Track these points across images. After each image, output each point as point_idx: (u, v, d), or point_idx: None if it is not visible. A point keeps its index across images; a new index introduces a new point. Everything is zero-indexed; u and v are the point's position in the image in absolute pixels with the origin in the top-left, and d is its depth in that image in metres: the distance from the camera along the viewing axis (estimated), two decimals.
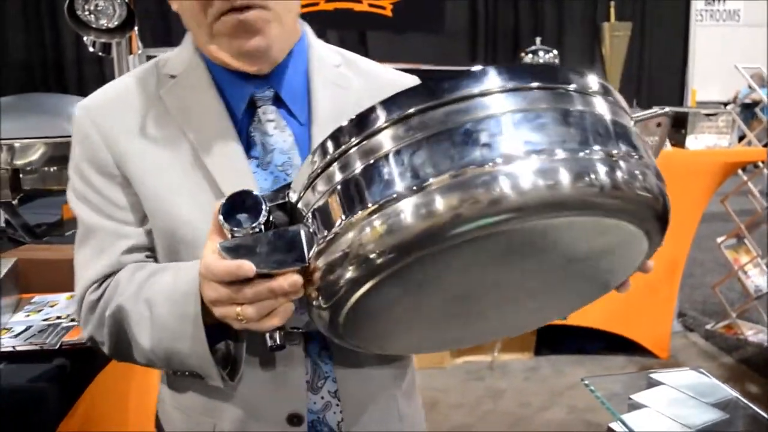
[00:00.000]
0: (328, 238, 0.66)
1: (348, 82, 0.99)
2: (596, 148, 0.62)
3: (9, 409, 1.16)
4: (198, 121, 0.92)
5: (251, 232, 0.71)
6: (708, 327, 4.04)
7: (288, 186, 0.74)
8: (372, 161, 0.63)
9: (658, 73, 6.32)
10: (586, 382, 0.91)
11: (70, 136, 1.73)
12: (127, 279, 0.91)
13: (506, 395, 3.29)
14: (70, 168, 0.98)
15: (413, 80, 1.04)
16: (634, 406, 0.99)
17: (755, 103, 5.26)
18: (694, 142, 3.83)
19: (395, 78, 1.05)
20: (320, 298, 0.70)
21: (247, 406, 0.94)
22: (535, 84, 0.64)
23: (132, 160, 0.92)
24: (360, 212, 0.63)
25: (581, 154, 0.61)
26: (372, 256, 0.63)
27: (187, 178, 0.91)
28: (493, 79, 0.63)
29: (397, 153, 0.62)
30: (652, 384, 1.08)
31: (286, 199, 0.73)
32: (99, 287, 0.93)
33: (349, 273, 0.65)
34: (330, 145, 0.67)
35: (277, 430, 0.94)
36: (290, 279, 0.70)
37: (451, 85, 0.63)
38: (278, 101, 0.95)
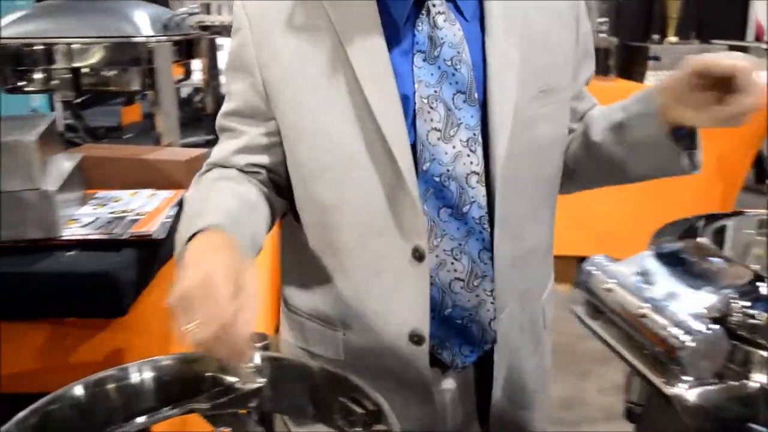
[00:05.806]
0: None
1: None
2: None
3: (81, 292, 1.19)
4: (345, 12, 0.89)
5: None
6: None
7: None
8: None
9: (718, 6, 6.04)
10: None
11: (128, 36, 1.74)
12: (205, 185, 0.96)
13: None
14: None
15: None
16: None
17: None
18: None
19: None
20: None
21: (371, 319, 0.96)
22: None
23: (275, 55, 0.92)
24: None
25: None
26: None
27: (328, 74, 0.90)
28: None
29: None
30: None
31: None
32: (207, 171, 0.99)
33: None
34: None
35: (399, 345, 0.94)
36: None
37: None
38: None
